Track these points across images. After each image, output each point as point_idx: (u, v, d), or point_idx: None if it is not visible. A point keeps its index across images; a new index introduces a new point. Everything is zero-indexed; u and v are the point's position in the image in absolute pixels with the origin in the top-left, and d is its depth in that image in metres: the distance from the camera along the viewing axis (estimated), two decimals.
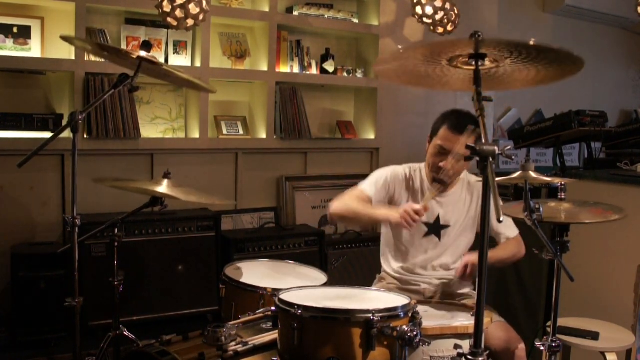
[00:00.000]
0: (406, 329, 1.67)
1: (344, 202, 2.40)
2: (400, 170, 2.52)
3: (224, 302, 2.33)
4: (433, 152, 2.39)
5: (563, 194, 2.13)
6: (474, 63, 1.51)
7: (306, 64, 3.94)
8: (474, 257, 2.29)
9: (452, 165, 2.33)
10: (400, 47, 1.43)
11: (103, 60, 2.88)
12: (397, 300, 1.88)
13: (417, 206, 2.18)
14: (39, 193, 3.19)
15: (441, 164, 2.35)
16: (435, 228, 2.47)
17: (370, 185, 2.47)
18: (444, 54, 1.51)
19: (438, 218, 2.47)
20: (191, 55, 3.57)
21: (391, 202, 2.47)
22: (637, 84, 6.04)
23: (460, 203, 2.49)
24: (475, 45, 1.40)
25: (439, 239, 2.47)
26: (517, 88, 1.76)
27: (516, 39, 1.36)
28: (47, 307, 2.82)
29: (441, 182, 2.41)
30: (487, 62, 1.53)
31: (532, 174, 1.96)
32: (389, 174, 2.50)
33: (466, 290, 2.50)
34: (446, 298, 2.41)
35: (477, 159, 1.38)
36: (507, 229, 2.48)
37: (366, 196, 2.43)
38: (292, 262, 2.70)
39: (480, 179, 1.41)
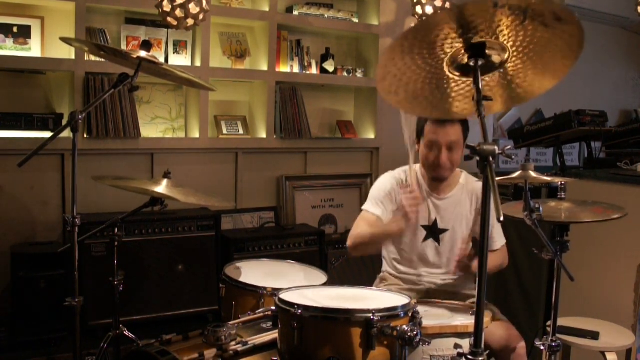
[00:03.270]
0: (406, 328, 1.67)
1: (357, 234, 2.37)
2: (396, 175, 2.51)
3: (224, 302, 2.33)
4: (425, 151, 2.38)
5: (563, 194, 2.13)
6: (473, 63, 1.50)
7: (306, 64, 3.94)
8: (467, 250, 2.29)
9: (447, 156, 2.33)
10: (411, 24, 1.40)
11: (103, 60, 2.88)
12: (397, 300, 1.88)
13: (407, 196, 2.19)
14: (39, 193, 3.20)
15: (437, 160, 2.34)
16: (433, 232, 2.45)
17: (374, 204, 2.44)
18: (439, 47, 1.47)
19: (435, 222, 2.45)
20: (191, 55, 3.57)
21: (397, 209, 2.46)
22: (637, 84, 6.04)
23: (458, 206, 2.47)
24: (458, 15, 1.35)
25: (438, 243, 2.45)
26: (522, 102, 1.73)
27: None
28: (47, 307, 2.82)
29: (440, 178, 2.40)
30: (491, 55, 1.49)
31: (532, 174, 1.96)
32: (387, 183, 2.48)
33: (469, 290, 2.48)
34: (449, 297, 2.40)
35: (477, 158, 1.38)
36: (497, 236, 2.47)
37: (375, 217, 2.40)
38: (292, 261, 2.70)
39: (480, 179, 1.41)
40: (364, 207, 2.47)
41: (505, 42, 1.45)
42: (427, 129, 2.36)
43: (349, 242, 2.38)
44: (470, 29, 1.40)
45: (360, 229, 2.37)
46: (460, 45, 1.46)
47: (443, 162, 2.33)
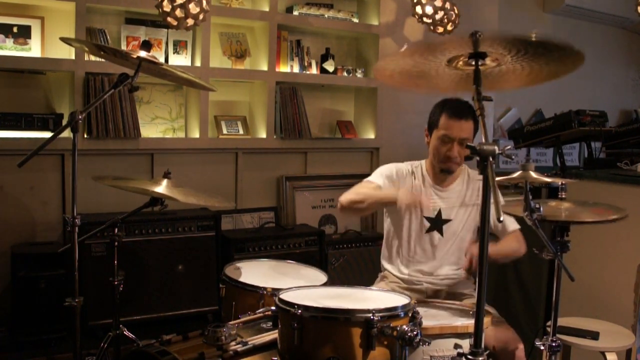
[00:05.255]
0: (406, 328, 1.67)
1: (353, 191, 2.40)
2: (403, 166, 2.55)
3: (224, 302, 2.33)
4: (437, 143, 2.41)
5: (563, 194, 2.13)
6: (474, 63, 1.51)
7: (306, 64, 3.94)
8: (477, 249, 2.29)
9: (458, 150, 2.37)
10: (405, 45, 1.44)
11: (103, 60, 2.87)
12: (397, 300, 1.88)
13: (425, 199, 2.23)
14: (39, 193, 3.19)
15: (449, 153, 2.38)
16: (437, 223, 2.47)
17: (378, 177, 2.49)
18: (444, 54, 1.51)
19: (440, 213, 2.47)
20: (191, 55, 3.57)
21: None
22: (637, 84, 6.04)
23: (462, 198, 2.49)
24: (474, 44, 1.40)
25: (442, 234, 2.47)
26: (517, 87, 1.76)
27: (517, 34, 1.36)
28: (47, 307, 2.82)
29: (449, 170, 2.44)
30: (488, 61, 1.52)
31: (533, 174, 1.96)
32: (393, 169, 2.53)
33: (468, 290, 2.50)
34: (449, 297, 2.41)
35: (477, 158, 1.38)
36: (508, 222, 2.47)
37: (375, 185, 2.45)
38: (292, 261, 2.70)
39: (481, 175, 1.41)
40: (367, 178, 2.51)
41: (504, 57, 1.48)
42: (442, 122, 2.39)
43: (342, 199, 2.38)
44: (474, 49, 1.46)
45: (356, 189, 2.40)
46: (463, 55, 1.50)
47: (454, 155, 2.37)
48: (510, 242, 2.46)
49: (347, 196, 2.38)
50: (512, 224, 2.49)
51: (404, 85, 1.81)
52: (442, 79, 1.71)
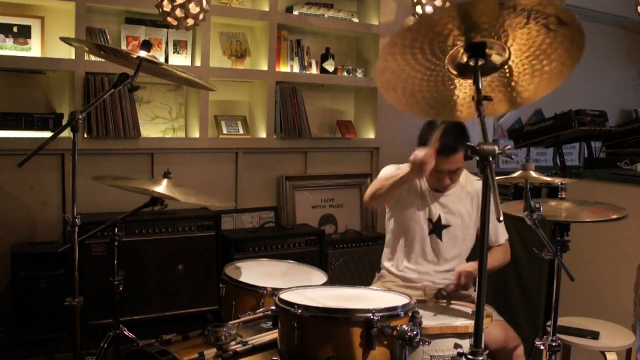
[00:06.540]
0: (406, 328, 1.67)
1: (374, 185, 2.44)
2: (403, 168, 2.54)
3: (223, 302, 2.33)
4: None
5: (563, 194, 2.13)
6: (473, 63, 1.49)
7: (306, 64, 3.94)
8: (465, 266, 2.35)
9: (449, 180, 2.42)
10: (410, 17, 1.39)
11: (103, 60, 2.87)
12: (397, 299, 1.88)
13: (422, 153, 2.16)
14: (39, 192, 3.19)
15: (440, 182, 2.42)
16: (437, 228, 2.48)
17: (388, 171, 2.49)
18: (443, 46, 1.47)
19: (439, 218, 2.48)
20: (191, 54, 3.57)
21: (399, 198, 2.48)
22: (637, 84, 6.04)
23: (458, 203, 2.50)
24: (462, 12, 1.34)
25: (440, 239, 2.48)
26: (523, 103, 1.72)
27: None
28: (47, 307, 2.82)
29: (443, 190, 2.49)
30: (491, 57, 1.49)
31: (533, 174, 1.96)
32: (394, 168, 2.52)
33: (468, 291, 2.50)
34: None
35: (477, 158, 1.38)
36: (499, 233, 2.53)
37: (389, 173, 2.46)
38: (292, 261, 2.70)
39: (480, 178, 1.40)
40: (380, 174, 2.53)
41: (506, 44, 1.45)
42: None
43: (365, 197, 2.46)
44: (473, 28, 1.39)
45: (377, 182, 2.44)
46: (462, 43, 1.45)
47: (446, 185, 2.44)
48: (497, 255, 2.51)
49: (371, 191, 2.43)
50: (503, 235, 2.53)
51: (410, 110, 1.71)
52: (452, 104, 1.66)
